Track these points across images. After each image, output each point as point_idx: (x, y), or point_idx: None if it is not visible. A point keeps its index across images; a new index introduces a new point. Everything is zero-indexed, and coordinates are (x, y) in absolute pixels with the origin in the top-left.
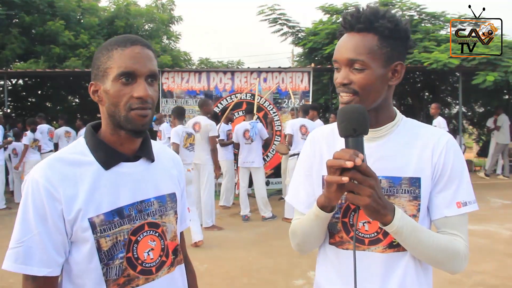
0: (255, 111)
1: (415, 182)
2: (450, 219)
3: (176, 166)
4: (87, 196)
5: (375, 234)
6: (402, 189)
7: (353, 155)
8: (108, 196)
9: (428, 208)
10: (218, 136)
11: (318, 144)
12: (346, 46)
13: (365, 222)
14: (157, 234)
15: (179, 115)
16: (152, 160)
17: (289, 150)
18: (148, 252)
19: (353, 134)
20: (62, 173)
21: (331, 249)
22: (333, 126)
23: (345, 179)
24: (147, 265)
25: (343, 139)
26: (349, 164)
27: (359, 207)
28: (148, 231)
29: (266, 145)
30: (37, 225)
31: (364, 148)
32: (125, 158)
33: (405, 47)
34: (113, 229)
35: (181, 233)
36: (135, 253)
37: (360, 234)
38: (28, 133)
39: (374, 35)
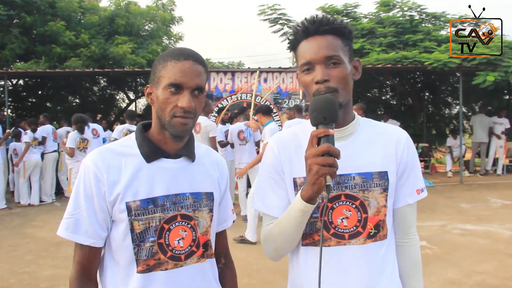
0: (252, 110)
1: (384, 175)
2: (410, 206)
3: (219, 169)
4: (127, 183)
5: (354, 228)
6: (374, 183)
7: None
8: (145, 185)
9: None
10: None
11: (286, 148)
12: (319, 46)
13: (343, 218)
14: (189, 226)
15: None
16: (193, 160)
17: None
18: (178, 241)
19: (324, 122)
20: (109, 161)
21: (308, 250)
22: (295, 129)
23: (332, 131)
24: (176, 252)
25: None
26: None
27: (329, 191)
28: (181, 222)
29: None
30: (85, 202)
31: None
32: (166, 154)
33: (352, 47)
34: (146, 215)
35: (224, 231)
36: (166, 240)
37: (339, 230)
38: (29, 132)
39: (336, 36)
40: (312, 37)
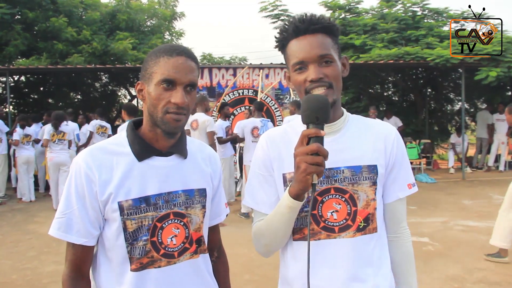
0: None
1: (373, 169)
2: (401, 201)
3: (212, 164)
4: (119, 182)
5: (344, 221)
6: (363, 177)
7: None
8: (137, 184)
9: (383, 193)
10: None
11: (276, 144)
12: (312, 45)
13: (333, 212)
14: (182, 223)
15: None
16: (185, 157)
17: None
18: (171, 238)
19: (315, 121)
20: (100, 160)
21: (299, 245)
22: (285, 126)
23: (323, 132)
24: (169, 249)
25: (299, 136)
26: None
27: (314, 190)
28: (173, 220)
29: None
30: (76, 202)
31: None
32: (158, 152)
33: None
34: (138, 214)
35: (217, 226)
36: (159, 238)
37: (329, 223)
38: (18, 129)
39: (326, 34)
40: (303, 36)
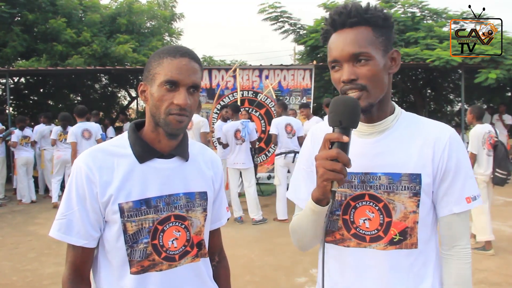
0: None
1: (415, 178)
2: (457, 216)
3: (214, 168)
4: (120, 184)
5: (376, 231)
6: (402, 186)
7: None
8: (138, 186)
9: (435, 205)
10: (210, 132)
11: (318, 140)
12: (346, 42)
13: (366, 219)
14: (183, 226)
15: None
16: (186, 159)
17: None
18: (172, 241)
19: (339, 125)
20: (101, 161)
21: (331, 247)
22: None
23: (346, 138)
24: (171, 252)
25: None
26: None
27: (333, 197)
28: (174, 222)
29: (267, 141)
30: (77, 203)
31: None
32: (159, 154)
33: (392, 35)
34: (139, 216)
35: (218, 230)
36: (160, 241)
37: (361, 231)
38: (16, 131)
39: (368, 27)
40: (341, 30)
